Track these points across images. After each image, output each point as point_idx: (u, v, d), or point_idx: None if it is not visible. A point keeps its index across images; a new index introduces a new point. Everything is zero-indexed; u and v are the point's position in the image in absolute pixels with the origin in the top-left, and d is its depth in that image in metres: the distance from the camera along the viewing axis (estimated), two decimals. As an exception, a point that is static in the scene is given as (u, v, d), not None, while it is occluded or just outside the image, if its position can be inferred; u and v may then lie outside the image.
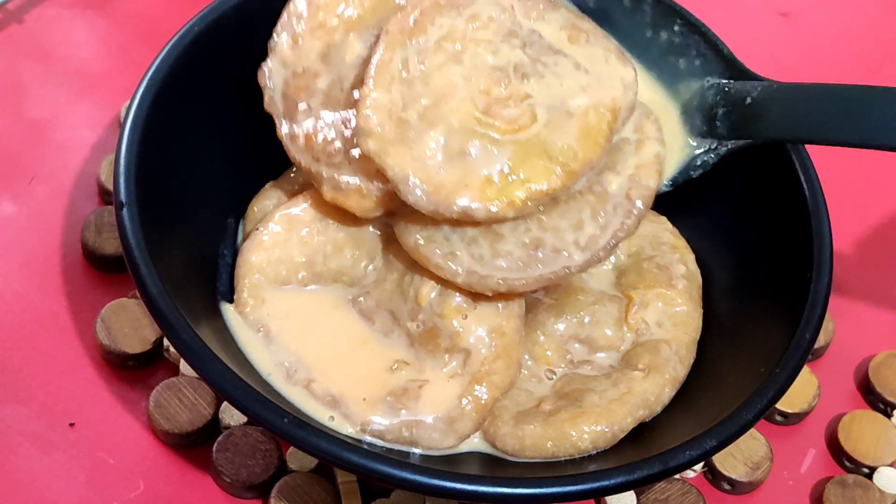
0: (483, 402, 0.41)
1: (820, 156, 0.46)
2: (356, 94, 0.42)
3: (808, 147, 0.46)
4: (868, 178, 0.60)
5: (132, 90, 0.42)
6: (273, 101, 0.44)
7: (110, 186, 0.50)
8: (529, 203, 0.40)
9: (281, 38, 0.44)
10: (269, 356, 0.41)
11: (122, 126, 0.41)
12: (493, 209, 0.40)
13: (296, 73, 0.43)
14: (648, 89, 0.47)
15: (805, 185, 0.45)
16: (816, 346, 0.51)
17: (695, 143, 0.45)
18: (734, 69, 0.45)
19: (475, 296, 0.42)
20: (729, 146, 0.45)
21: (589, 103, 0.42)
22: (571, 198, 0.42)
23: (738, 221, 0.48)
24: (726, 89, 0.45)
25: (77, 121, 0.55)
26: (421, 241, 0.41)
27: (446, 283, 0.42)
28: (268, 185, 0.47)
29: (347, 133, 0.42)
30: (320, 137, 0.42)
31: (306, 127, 0.43)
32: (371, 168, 0.41)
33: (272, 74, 0.44)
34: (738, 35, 0.54)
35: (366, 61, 0.42)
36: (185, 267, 0.42)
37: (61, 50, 0.58)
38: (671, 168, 0.45)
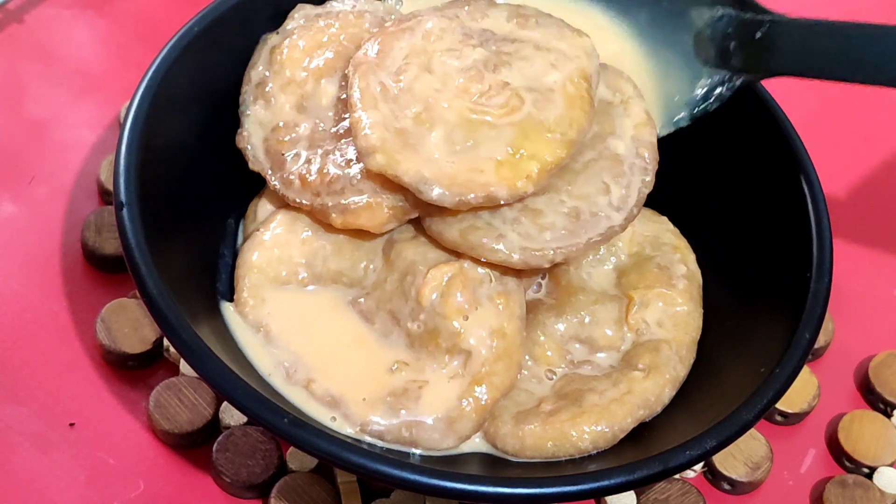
0: (483, 403, 0.41)
1: (820, 156, 0.46)
2: (342, 127, 0.43)
3: (808, 147, 0.46)
4: (868, 178, 0.60)
5: (132, 90, 0.42)
6: (256, 159, 0.45)
7: (110, 186, 0.50)
8: (544, 175, 0.41)
9: (250, 108, 0.45)
10: (269, 356, 0.41)
11: (122, 126, 0.41)
12: (514, 186, 0.41)
13: (275, 128, 0.45)
14: (650, 32, 0.48)
15: (805, 185, 0.45)
16: (816, 346, 0.51)
17: (708, 75, 0.46)
18: (745, 3, 0.45)
19: (476, 297, 0.42)
20: (743, 79, 0.45)
21: (562, 77, 0.43)
22: (588, 167, 0.43)
23: (738, 222, 0.48)
24: (738, 21, 0.45)
25: (77, 121, 0.55)
26: (465, 232, 0.42)
27: (499, 269, 0.43)
28: (268, 186, 0.47)
29: (342, 161, 0.43)
30: (314, 173, 0.43)
31: (298, 170, 0.43)
32: (378, 182, 0.42)
33: (250, 137, 0.45)
34: (738, 35, 0.54)
35: (343, 100, 0.44)
36: (185, 267, 0.42)
37: (61, 50, 0.58)
38: (686, 102, 0.46)
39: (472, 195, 0.40)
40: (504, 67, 0.43)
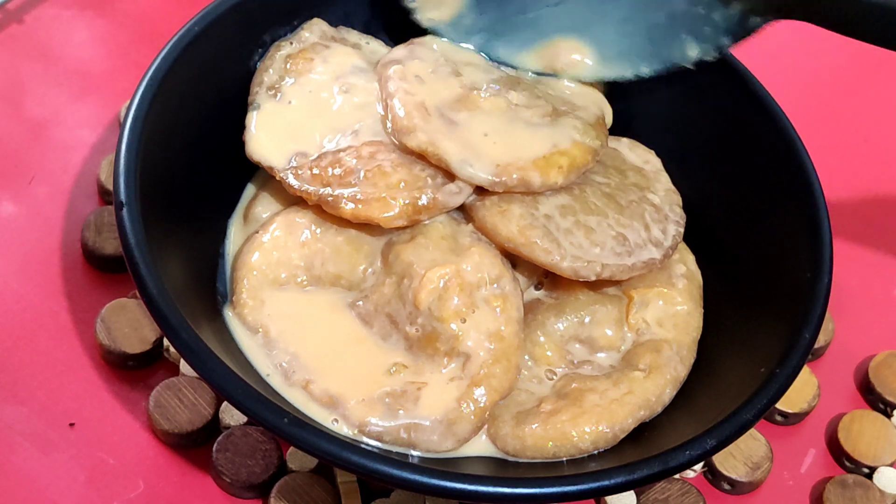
0: (482, 405, 0.41)
1: (820, 156, 0.47)
2: (357, 129, 0.44)
3: (809, 148, 0.46)
4: (868, 178, 0.60)
5: (132, 90, 0.42)
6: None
7: (110, 186, 0.50)
8: (573, 171, 0.44)
9: (262, 107, 0.46)
10: (268, 357, 0.41)
11: (122, 126, 0.41)
12: (547, 175, 0.43)
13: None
14: None
15: (805, 186, 0.45)
16: (816, 346, 0.51)
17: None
18: None
19: (473, 300, 0.42)
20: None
21: (582, 104, 0.47)
22: (631, 205, 0.46)
23: (738, 222, 0.48)
24: None
25: (77, 121, 0.55)
26: (524, 228, 0.43)
27: (542, 272, 0.45)
28: (268, 187, 0.47)
29: (356, 157, 0.43)
30: (326, 166, 0.43)
31: (309, 163, 0.44)
32: (391, 180, 0.42)
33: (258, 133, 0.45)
34: (738, 35, 0.54)
35: (359, 105, 0.45)
36: (185, 267, 0.42)
37: (61, 50, 0.58)
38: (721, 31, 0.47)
39: (507, 177, 0.43)
40: (528, 87, 0.47)
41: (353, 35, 0.50)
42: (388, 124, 0.44)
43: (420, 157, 0.43)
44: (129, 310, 0.47)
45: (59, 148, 0.53)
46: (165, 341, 0.47)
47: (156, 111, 0.42)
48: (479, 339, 0.41)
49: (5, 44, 0.57)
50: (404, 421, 0.40)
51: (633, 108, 0.51)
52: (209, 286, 0.44)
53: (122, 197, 0.39)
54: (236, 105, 0.47)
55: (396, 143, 0.44)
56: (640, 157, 0.49)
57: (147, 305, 0.38)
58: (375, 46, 0.50)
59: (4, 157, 0.53)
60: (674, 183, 0.49)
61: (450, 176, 0.43)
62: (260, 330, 0.42)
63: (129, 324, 0.46)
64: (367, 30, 0.51)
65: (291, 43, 0.48)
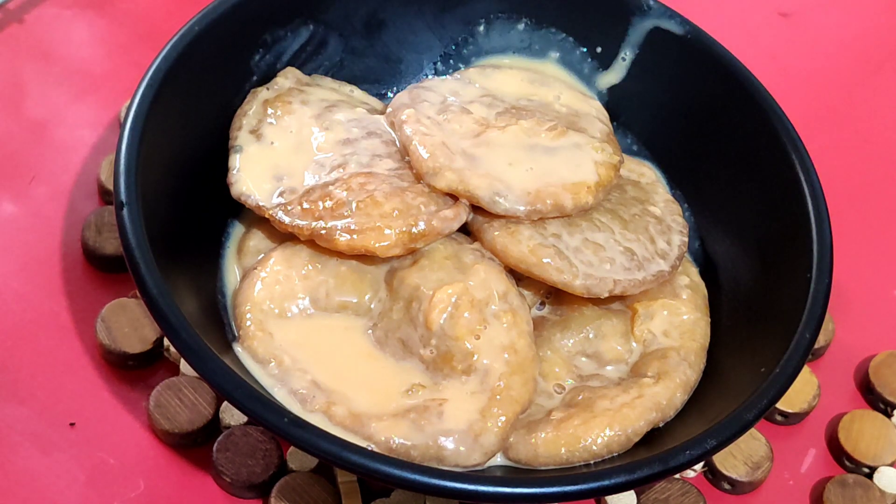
0: (505, 417, 0.40)
1: (820, 156, 0.47)
2: (343, 163, 0.44)
3: (809, 148, 0.46)
4: (868, 177, 0.60)
5: (132, 90, 0.42)
6: (249, 194, 0.44)
7: (110, 186, 0.50)
8: (600, 189, 0.45)
9: (243, 150, 0.45)
10: (284, 386, 0.41)
11: (122, 126, 0.41)
12: (578, 197, 0.44)
13: (270, 167, 0.45)
14: None
15: (805, 186, 0.45)
16: (816, 346, 0.51)
17: None
18: None
19: (484, 316, 0.42)
20: None
21: (587, 121, 0.48)
22: (634, 219, 0.46)
23: (738, 222, 0.48)
24: None
25: (77, 121, 0.55)
26: (535, 249, 0.43)
27: (545, 290, 0.45)
28: (258, 223, 0.46)
29: (346, 189, 0.43)
30: (317, 200, 0.43)
31: (297, 197, 0.43)
32: (385, 209, 0.42)
33: (241, 175, 0.45)
34: (738, 35, 0.54)
35: (343, 141, 0.45)
36: (186, 266, 0.42)
37: (61, 50, 0.58)
38: None
39: (541, 204, 0.43)
40: (532, 114, 0.47)
41: (328, 81, 0.50)
42: (412, 167, 0.44)
43: (451, 196, 0.44)
44: (129, 310, 0.47)
45: (59, 148, 0.53)
46: (165, 341, 0.47)
47: (156, 111, 0.42)
48: (495, 353, 0.41)
49: (5, 44, 0.57)
50: (430, 435, 0.40)
51: (633, 111, 0.51)
52: (210, 285, 0.44)
53: (123, 197, 0.39)
54: (236, 105, 0.47)
55: (426, 185, 0.44)
56: (633, 171, 0.49)
57: (147, 305, 0.38)
58: (351, 91, 0.50)
59: (4, 157, 0.53)
60: (673, 188, 0.49)
61: (446, 202, 0.43)
62: (272, 361, 0.41)
63: (129, 324, 0.46)
64: (366, 28, 0.51)
65: (268, 89, 0.48)
